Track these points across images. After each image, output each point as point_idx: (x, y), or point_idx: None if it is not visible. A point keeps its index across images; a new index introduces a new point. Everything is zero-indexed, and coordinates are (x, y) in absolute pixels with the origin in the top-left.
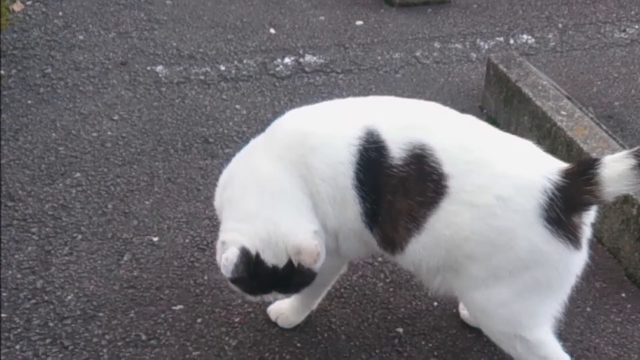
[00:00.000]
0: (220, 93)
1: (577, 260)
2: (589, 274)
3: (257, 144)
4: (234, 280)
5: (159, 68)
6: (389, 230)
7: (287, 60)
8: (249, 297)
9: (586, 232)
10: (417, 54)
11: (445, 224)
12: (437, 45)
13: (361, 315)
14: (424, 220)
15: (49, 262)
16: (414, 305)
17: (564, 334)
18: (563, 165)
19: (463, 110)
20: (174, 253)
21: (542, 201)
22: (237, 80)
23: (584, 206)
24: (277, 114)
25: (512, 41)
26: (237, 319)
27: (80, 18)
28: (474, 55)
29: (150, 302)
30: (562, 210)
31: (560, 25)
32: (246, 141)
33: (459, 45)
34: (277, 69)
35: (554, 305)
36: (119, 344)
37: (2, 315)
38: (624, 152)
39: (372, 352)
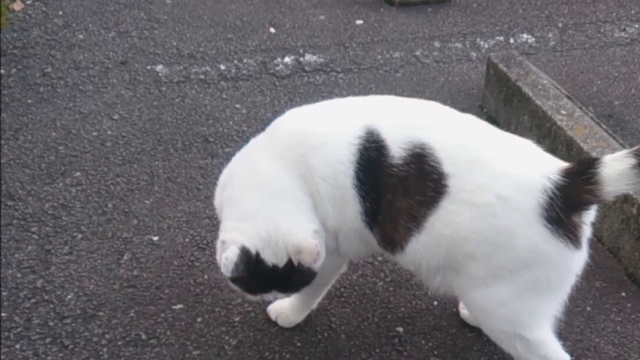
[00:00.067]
0: (220, 92)
1: (577, 259)
2: (589, 273)
3: (257, 143)
4: (234, 280)
5: (159, 67)
6: (389, 230)
7: (287, 59)
8: (249, 297)
9: (586, 232)
10: (417, 53)
11: (445, 223)
12: (437, 44)
13: (361, 315)
14: (424, 219)
15: (49, 262)
16: (414, 305)
17: (564, 333)
18: (563, 164)
19: (463, 109)
20: (174, 252)
21: (542, 200)
22: (237, 80)
23: (584, 205)
24: (277, 113)
25: (512, 40)
26: (237, 318)
27: (80, 17)
28: (474, 54)
29: (150, 301)
30: (562, 209)
31: (560, 25)
32: (246, 140)
33: (459, 45)
34: (277, 68)
35: (554, 305)
36: (119, 343)
37: (2, 314)
38: (624, 152)
39: (372, 352)
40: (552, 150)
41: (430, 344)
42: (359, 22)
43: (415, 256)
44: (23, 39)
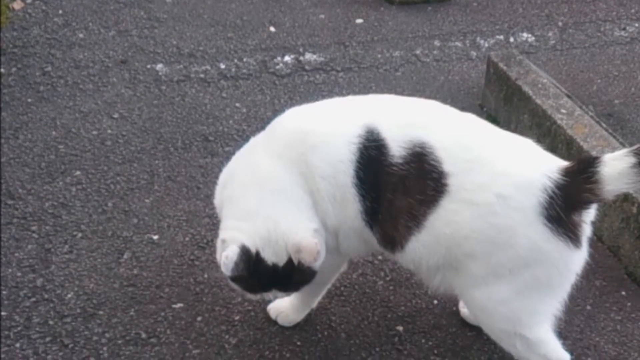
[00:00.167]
0: (220, 91)
1: (577, 258)
2: (589, 272)
3: (257, 142)
4: (234, 279)
5: (159, 66)
6: (389, 229)
7: (287, 58)
8: (249, 296)
9: (586, 231)
10: (417, 52)
11: (445, 223)
12: (437, 43)
13: (361, 314)
14: (424, 218)
15: (49, 261)
16: (414, 304)
17: (564, 332)
18: (563, 163)
19: (463, 108)
20: (174, 251)
21: (542, 199)
22: (237, 79)
23: (584, 204)
24: (277, 112)
25: (512, 39)
26: (237, 317)
27: (80, 16)
28: (474, 53)
29: (150, 300)
30: (562, 208)
31: (560, 24)
32: (246, 139)
33: (459, 44)
34: (277, 67)
35: (554, 304)
36: (119, 342)
37: (2, 313)
38: (624, 151)
39: (372, 351)
40: (552, 149)
41: (430, 343)
42: (359, 21)
43: (415, 255)
44: (23, 38)
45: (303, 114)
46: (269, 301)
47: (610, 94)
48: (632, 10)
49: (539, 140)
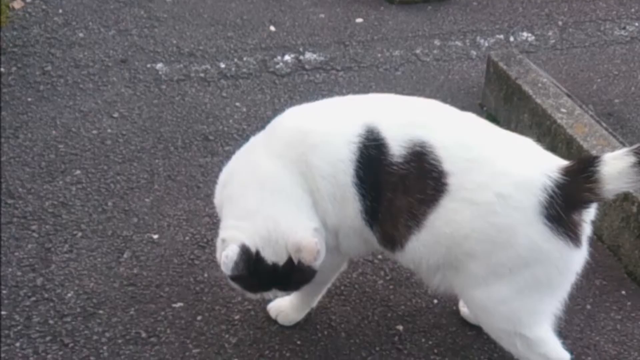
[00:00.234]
0: (220, 90)
1: (577, 257)
2: (589, 272)
3: (257, 141)
4: (234, 278)
5: (159, 65)
6: (389, 228)
7: (287, 57)
8: (249, 295)
9: (586, 230)
10: (417, 51)
11: (445, 222)
12: (437, 42)
13: (361, 313)
14: (424, 217)
15: (49, 260)
16: (414, 303)
17: (564, 332)
18: (563, 162)
19: (463, 107)
20: (174, 251)
21: (542, 199)
22: (237, 78)
23: (584, 204)
24: (277, 111)
25: (512, 39)
26: (237, 317)
27: (80, 16)
28: (474, 52)
29: (150, 299)
30: (562, 207)
31: (560, 23)
32: (246, 139)
33: (459, 43)
34: (277, 66)
35: (554, 303)
36: (119, 341)
37: (2, 312)
38: (624, 150)
39: (372, 350)
40: (552, 148)
41: (430, 342)
42: (359, 20)
43: (415, 254)
44: (23, 37)
45: (303, 114)
46: (269, 300)
47: (610, 93)
48: (632, 10)
49: (539, 139)
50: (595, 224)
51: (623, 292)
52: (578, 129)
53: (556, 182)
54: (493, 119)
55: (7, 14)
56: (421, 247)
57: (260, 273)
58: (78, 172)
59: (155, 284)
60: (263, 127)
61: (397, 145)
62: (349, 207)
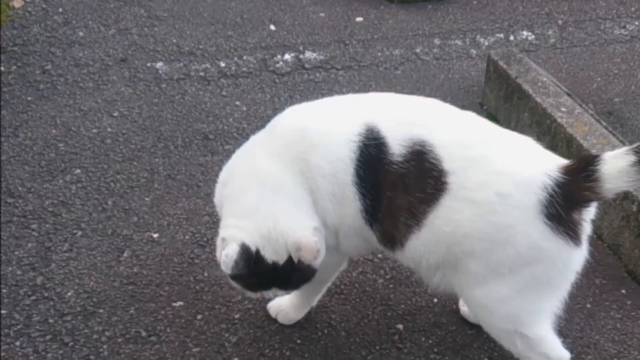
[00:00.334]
0: (220, 89)
1: (577, 256)
2: (589, 271)
3: (257, 140)
4: (234, 277)
5: (159, 64)
6: (389, 227)
7: (287, 56)
8: (249, 294)
9: (586, 229)
10: (417, 50)
11: (445, 221)
12: (437, 41)
13: (361, 312)
14: (423, 216)
15: (49, 259)
16: (414, 302)
17: (564, 331)
18: (563, 161)
19: (463, 106)
20: (174, 250)
21: (542, 198)
22: (237, 77)
23: (584, 203)
24: (277, 110)
25: (512, 38)
26: (237, 316)
27: (80, 15)
28: (474, 51)
29: (150, 298)
30: (562, 206)
31: (560, 22)
32: (246, 138)
33: (459, 42)
34: (277, 65)
35: (553, 302)
36: (119, 340)
37: (2, 311)
38: (624, 149)
39: (372, 349)
40: (552, 147)
41: (430, 341)
42: (359, 19)
43: (415, 253)
44: (23, 36)
45: (303, 113)
46: (269, 299)
47: (610, 92)
48: (632, 9)
49: (539, 138)
50: (595, 222)
51: (623, 291)
52: (578, 128)
53: (556, 181)
54: (493, 118)
55: (7, 13)
56: (421, 246)
57: (260, 272)
58: (78, 171)
59: (155, 283)
60: (263, 126)
61: (397, 144)
62: (349, 206)
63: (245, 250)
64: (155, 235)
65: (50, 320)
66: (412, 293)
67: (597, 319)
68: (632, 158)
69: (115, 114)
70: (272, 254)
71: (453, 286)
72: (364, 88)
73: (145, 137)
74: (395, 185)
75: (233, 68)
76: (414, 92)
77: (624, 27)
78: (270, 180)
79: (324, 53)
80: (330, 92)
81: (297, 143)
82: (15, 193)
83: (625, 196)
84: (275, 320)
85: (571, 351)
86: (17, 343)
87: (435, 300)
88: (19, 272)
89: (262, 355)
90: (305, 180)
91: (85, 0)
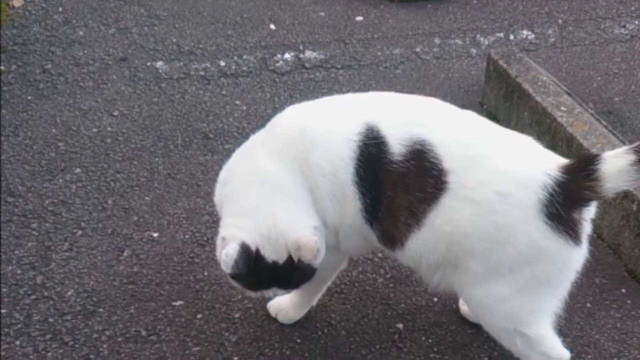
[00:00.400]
0: (220, 89)
1: (577, 256)
2: (589, 270)
3: (257, 140)
4: (234, 276)
5: (159, 64)
6: (389, 226)
7: (287, 56)
8: (249, 293)
9: (586, 228)
10: (417, 49)
11: (445, 220)
12: (437, 41)
13: (361, 311)
14: (423, 216)
15: (49, 258)
16: (414, 301)
17: (564, 330)
18: (563, 161)
19: (463, 106)
20: (174, 249)
21: (542, 197)
22: (237, 76)
23: (584, 202)
24: (277, 109)
25: (512, 37)
26: (237, 315)
27: (80, 14)
28: (474, 51)
29: (150, 297)
30: (562, 206)
31: (560, 21)
32: (246, 137)
33: (459, 41)
34: (277, 64)
35: (553, 301)
36: (119, 339)
37: (2, 311)
38: (624, 148)
39: (372, 348)
40: (552, 146)
41: (430, 341)
42: (359, 18)
43: (415, 253)
44: (23, 36)
45: (303, 112)
46: (269, 299)
47: (610, 91)
48: (632, 8)
49: (539, 137)
50: (595, 222)
51: (623, 290)
52: (578, 127)
53: (556, 180)
54: (493, 117)
55: (7, 12)
56: (421, 245)
57: (260, 271)
58: (78, 170)
59: (155, 282)
60: (263, 126)
61: (397, 144)
62: (349, 205)
63: (245, 249)
64: (155, 235)
65: (50, 320)
66: (412, 292)
67: (597, 318)
68: (632, 157)
69: (115, 113)
70: (272, 253)
71: (453, 285)
72: (364, 87)
73: (145, 136)
74: (395, 184)
75: (233, 67)
76: (414, 91)
77: (624, 26)
78: (270, 179)
79: (324, 52)
80: (330, 92)
81: (297, 142)
82: (15, 192)
83: (625, 195)
84: (275, 320)
85: (571, 350)
86: (17, 342)
87: (435, 299)
88: (19, 271)
89: (262, 355)
90: (305, 179)
91: None
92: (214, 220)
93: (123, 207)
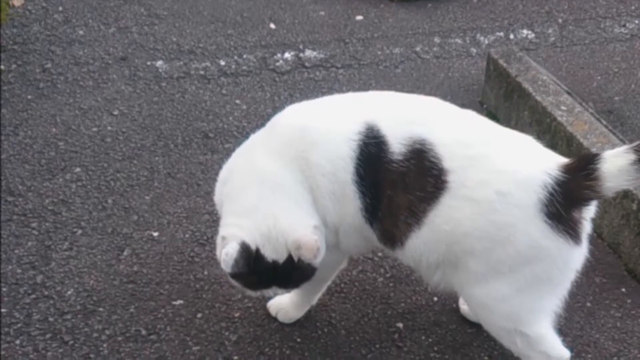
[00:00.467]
0: (220, 88)
1: (577, 255)
2: (589, 269)
3: (257, 139)
4: (234, 275)
5: (159, 63)
6: (389, 225)
7: (287, 55)
8: (249, 292)
9: (586, 227)
10: (417, 49)
11: (445, 219)
12: (437, 40)
13: (361, 310)
14: (423, 215)
15: (49, 257)
16: (414, 300)
17: (564, 329)
18: (563, 160)
19: (463, 105)
20: (174, 248)
21: (542, 196)
22: (237, 75)
23: (584, 201)
24: (277, 109)
25: (512, 36)
26: (237, 314)
27: (80, 13)
28: (474, 50)
29: (150, 297)
30: (562, 205)
31: (560, 20)
32: (246, 136)
33: (459, 40)
34: (277, 64)
35: (553, 300)
36: (119, 339)
37: (2, 310)
38: (624, 147)
39: (372, 347)
40: (552, 146)
41: (430, 340)
42: (359, 17)
43: (415, 252)
44: (23, 35)
45: (303, 111)
46: (269, 298)
47: (610, 90)
48: (632, 7)
49: (539, 137)
50: (595, 221)
51: (623, 290)
52: (578, 127)
53: (556, 179)
54: (493, 116)
55: (7, 12)
56: (421, 244)
57: (260, 270)
58: (78, 169)
59: (155, 282)
60: (263, 125)
61: (397, 143)
62: (349, 204)
63: (245, 248)
64: (155, 234)
65: (50, 319)
66: (412, 291)
67: (597, 317)
68: (632, 157)
69: (115, 113)
70: (272, 253)
71: (453, 285)
72: (364, 87)
73: (145, 135)
74: (395, 183)
75: (233, 66)
76: (414, 90)
77: (624, 25)
78: (270, 178)
79: (324, 51)
80: (330, 91)
81: (297, 141)
82: (15, 191)
83: (625, 195)
84: (275, 319)
85: (571, 350)
86: (17, 341)
87: (435, 298)
88: (19, 271)
89: (262, 354)
90: (305, 178)
91: None
92: (214, 220)
93: (123, 206)
